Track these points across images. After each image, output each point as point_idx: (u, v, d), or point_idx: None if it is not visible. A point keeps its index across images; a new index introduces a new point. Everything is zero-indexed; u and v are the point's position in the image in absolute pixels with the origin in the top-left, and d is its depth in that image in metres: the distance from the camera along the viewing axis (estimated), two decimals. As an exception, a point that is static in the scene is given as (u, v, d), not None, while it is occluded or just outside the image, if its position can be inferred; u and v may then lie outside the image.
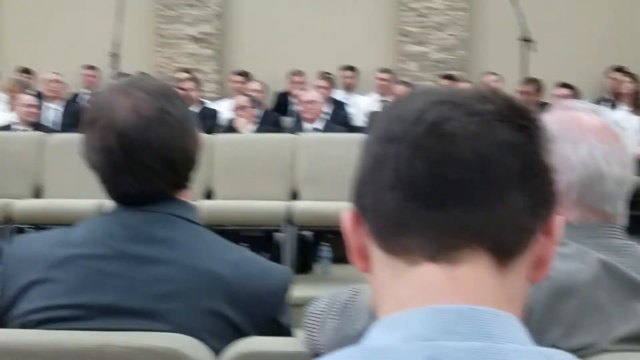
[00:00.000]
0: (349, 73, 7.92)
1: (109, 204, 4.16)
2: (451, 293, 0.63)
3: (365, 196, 0.67)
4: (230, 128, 6.03)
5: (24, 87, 7.21)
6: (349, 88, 7.90)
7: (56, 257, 1.24)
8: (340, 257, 5.32)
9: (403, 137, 0.65)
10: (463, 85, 5.91)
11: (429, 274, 0.64)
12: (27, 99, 6.09)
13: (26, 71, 7.87)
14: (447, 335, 0.60)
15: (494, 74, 7.27)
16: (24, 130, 5.85)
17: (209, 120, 6.20)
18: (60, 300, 1.21)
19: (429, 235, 0.64)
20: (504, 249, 0.64)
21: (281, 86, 7.74)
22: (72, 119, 6.63)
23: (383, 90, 7.34)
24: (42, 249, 1.27)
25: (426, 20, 8.31)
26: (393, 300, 0.65)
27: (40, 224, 4.68)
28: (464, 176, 0.63)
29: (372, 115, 6.42)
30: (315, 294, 1.34)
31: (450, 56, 8.29)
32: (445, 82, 6.87)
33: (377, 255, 0.67)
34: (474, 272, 0.64)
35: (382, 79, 7.43)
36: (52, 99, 6.88)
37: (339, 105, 7.18)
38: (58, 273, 1.23)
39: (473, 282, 0.63)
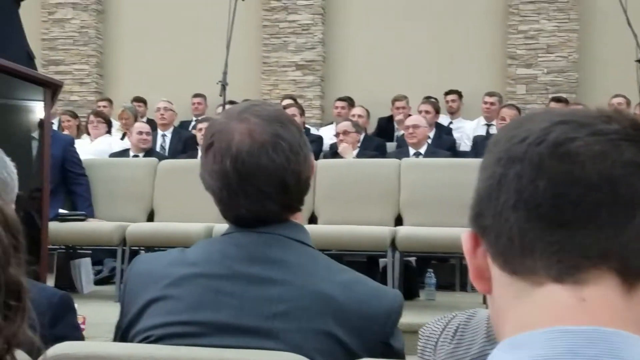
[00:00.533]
0: (453, 97, 7.85)
1: (217, 227, 4.26)
2: (578, 314, 0.61)
3: (485, 216, 0.67)
4: (334, 153, 6.08)
5: (137, 115, 7.57)
6: (454, 112, 7.83)
7: (175, 275, 1.29)
8: (445, 284, 5.24)
9: (525, 157, 0.64)
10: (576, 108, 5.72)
11: (554, 295, 0.63)
12: (140, 126, 6.39)
13: (139, 100, 8.27)
14: (575, 357, 0.58)
15: (621, 96, 6.99)
16: (136, 156, 6.14)
17: (313, 146, 6.29)
18: (178, 317, 1.25)
19: (554, 256, 0.63)
20: (631, 270, 0.63)
21: (384, 111, 7.76)
22: (182, 145, 6.90)
23: (490, 114, 7.21)
24: (161, 267, 1.32)
25: (535, 42, 8.15)
26: (516, 321, 0.64)
27: (152, 247, 4.87)
28: (590, 197, 0.62)
29: (481, 139, 6.32)
30: (421, 321, 1.33)
31: (560, 78, 8.07)
32: (556, 105, 6.68)
33: (498, 276, 0.67)
34: (600, 293, 0.62)
35: (488, 103, 7.30)
36: (163, 126, 7.18)
37: (443, 130, 7.12)
38: (177, 291, 1.27)
39: (600, 303, 0.62)
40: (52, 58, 8.79)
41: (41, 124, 2.99)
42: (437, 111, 7.06)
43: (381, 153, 6.21)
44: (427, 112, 6.76)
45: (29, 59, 3.49)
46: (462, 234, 0.70)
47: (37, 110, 3.02)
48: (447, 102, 7.83)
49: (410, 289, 4.69)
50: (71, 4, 8.90)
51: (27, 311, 0.62)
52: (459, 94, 7.87)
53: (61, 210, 5.03)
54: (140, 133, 6.21)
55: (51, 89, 2.99)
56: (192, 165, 5.30)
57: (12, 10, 3.53)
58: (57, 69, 8.64)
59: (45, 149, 2.95)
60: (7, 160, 1.70)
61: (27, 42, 3.60)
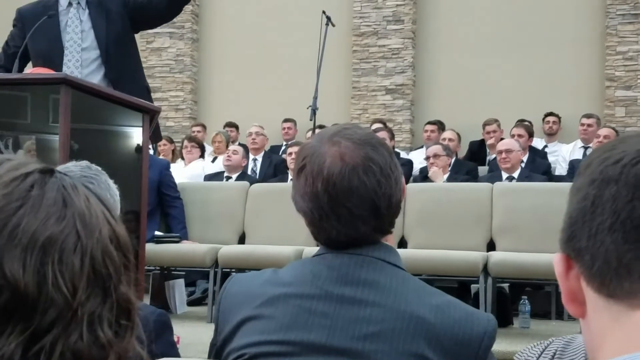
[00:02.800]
0: (554, 119, 7.65)
1: (307, 250, 4.29)
2: None
3: (578, 239, 0.66)
4: (424, 177, 6.03)
5: (229, 141, 7.76)
6: (553, 134, 7.62)
7: (268, 295, 1.31)
8: (541, 312, 5.06)
9: (620, 178, 0.64)
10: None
11: None
12: (233, 150, 6.55)
13: (232, 125, 8.48)
14: None
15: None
16: (229, 178, 6.28)
17: (403, 170, 6.22)
18: (272, 336, 1.27)
19: None
20: None
21: (476, 135, 7.65)
22: (272, 169, 7.02)
23: (587, 137, 6.97)
24: (255, 287, 1.34)
25: (634, 63, 7.85)
26: (614, 345, 0.62)
27: (243, 269, 4.94)
28: None
29: (578, 163, 6.13)
30: (515, 349, 1.29)
31: (662, 100, 7.75)
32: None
33: (593, 299, 0.65)
34: None
35: (586, 125, 7.06)
36: (254, 150, 7.33)
37: (538, 154, 6.94)
38: (270, 310, 1.29)
39: None
40: (149, 85, 9.14)
41: (139, 148, 3.11)
42: (531, 135, 6.89)
43: (473, 177, 6.10)
44: (520, 135, 6.60)
45: (147, 92, 3.64)
46: (554, 257, 0.69)
47: (135, 135, 3.14)
48: (547, 123, 7.63)
49: (504, 316, 4.56)
50: (168, 33, 9.25)
51: (135, 328, 0.64)
52: (556, 117, 7.67)
53: (157, 233, 5.20)
54: (228, 152, 6.43)
55: (149, 115, 3.11)
56: (283, 188, 5.37)
57: (134, 46, 3.69)
58: (154, 96, 8.94)
59: (143, 173, 3.06)
60: (111, 183, 1.77)
61: (145, 77, 3.76)
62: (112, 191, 1.78)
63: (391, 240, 1.41)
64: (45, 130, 3.04)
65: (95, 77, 3.52)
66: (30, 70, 3.31)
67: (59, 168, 0.66)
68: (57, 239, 0.58)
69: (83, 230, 0.60)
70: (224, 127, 8.37)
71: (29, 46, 3.58)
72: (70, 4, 3.57)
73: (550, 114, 7.64)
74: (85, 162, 1.81)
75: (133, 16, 3.58)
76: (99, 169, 1.81)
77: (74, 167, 1.76)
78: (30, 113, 3.04)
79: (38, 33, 3.53)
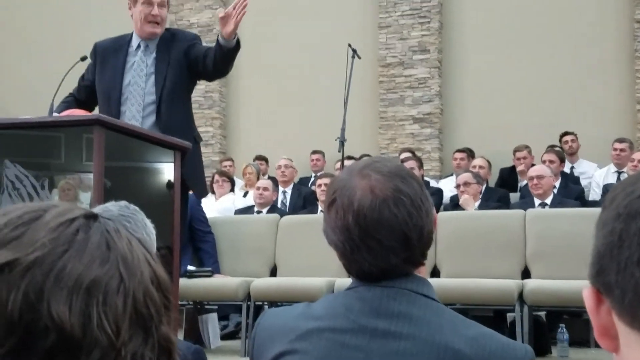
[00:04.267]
0: (572, 137, 7.55)
1: (339, 282, 4.28)
2: None
3: (607, 273, 0.65)
4: (455, 205, 6.00)
5: (259, 173, 7.81)
6: (573, 154, 7.52)
7: (302, 329, 1.31)
8: (579, 340, 4.96)
9: None
10: None
11: None
12: (262, 183, 6.58)
13: (261, 158, 8.54)
14: None
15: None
16: (259, 212, 6.30)
17: (433, 199, 6.19)
18: None
19: None
20: None
21: (506, 161, 7.59)
22: (302, 201, 7.03)
23: (620, 161, 6.88)
24: (288, 321, 1.34)
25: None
26: None
27: (275, 301, 4.94)
28: None
29: (608, 189, 6.04)
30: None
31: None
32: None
33: (626, 333, 0.64)
34: None
35: (618, 150, 6.98)
36: (284, 183, 7.36)
37: (570, 179, 6.86)
38: (304, 345, 1.29)
39: None
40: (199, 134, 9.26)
41: (170, 184, 3.14)
42: (562, 160, 6.82)
43: (504, 204, 6.05)
44: (551, 161, 6.54)
45: (195, 142, 3.69)
46: (583, 291, 0.69)
47: (166, 171, 3.18)
48: (565, 143, 7.54)
49: (541, 345, 4.48)
50: (197, 70, 9.39)
51: None
52: (575, 135, 7.57)
53: (189, 267, 5.22)
54: (259, 188, 6.42)
55: (180, 152, 3.15)
56: (313, 220, 5.38)
57: (188, 98, 3.73)
58: (184, 132, 9.10)
59: (175, 209, 3.09)
60: (147, 222, 1.80)
61: (195, 126, 3.79)
62: (148, 229, 1.81)
63: (424, 271, 1.41)
64: (79, 169, 3.10)
65: (148, 121, 3.59)
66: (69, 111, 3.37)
67: (99, 209, 0.68)
68: (101, 281, 0.60)
69: (125, 272, 0.62)
70: (254, 160, 8.43)
71: (96, 81, 3.66)
72: (139, 46, 3.65)
73: (566, 133, 7.55)
74: (123, 202, 1.84)
75: (190, 66, 3.62)
76: (137, 208, 1.84)
77: (112, 207, 1.79)
78: (64, 152, 3.10)
79: (105, 70, 3.62)
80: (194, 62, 3.59)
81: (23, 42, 10.43)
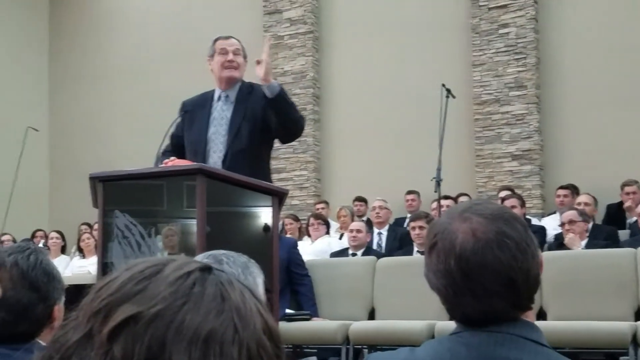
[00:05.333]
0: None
1: (439, 325, 4.17)
2: None
3: None
4: (559, 244, 5.78)
5: (354, 215, 7.78)
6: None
7: None
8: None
9: None
10: None
11: None
12: (355, 225, 6.56)
13: (361, 199, 8.51)
14: None
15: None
16: (355, 254, 6.27)
17: (536, 237, 5.99)
18: None
19: None
20: None
21: (613, 197, 7.28)
22: (397, 243, 6.96)
23: None
24: None
25: None
26: None
27: (374, 345, 4.86)
28: None
29: None
30: None
31: None
32: None
33: None
34: None
35: None
36: (379, 224, 7.32)
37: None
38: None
39: None
40: (275, 167, 9.43)
41: (267, 227, 3.17)
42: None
43: (613, 242, 5.78)
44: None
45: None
46: None
47: (263, 215, 3.22)
48: None
49: (660, 392, 4.19)
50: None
51: None
52: None
53: (287, 310, 5.23)
54: (352, 231, 6.40)
55: (278, 197, 3.19)
56: (410, 262, 5.31)
57: (262, 154, 3.75)
58: (279, 176, 9.24)
59: (274, 253, 3.11)
60: (255, 270, 1.81)
61: (268, 178, 3.79)
62: (256, 279, 1.82)
63: (531, 316, 1.36)
64: (180, 215, 3.18)
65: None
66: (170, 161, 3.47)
67: (216, 256, 0.70)
68: (218, 332, 0.62)
69: (240, 323, 0.64)
70: (353, 202, 8.44)
71: (185, 137, 3.80)
72: (220, 97, 3.77)
73: None
74: (239, 254, 1.86)
75: (265, 121, 3.65)
76: (248, 257, 1.86)
77: (225, 260, 1.80)
78: (166, 200, 3.20)
79: (193, 125, 3.75)
80: (269, 119, 3.60)
81: (130, 114, 10.98)
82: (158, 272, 0.65)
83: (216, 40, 3.81)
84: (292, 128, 3.61)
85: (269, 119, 3.60)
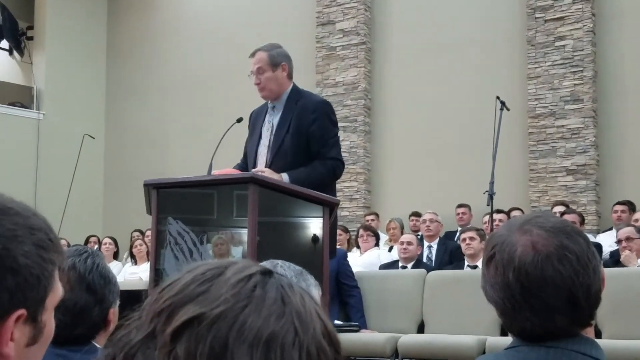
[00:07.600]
0: None
1: (490, 340, 4.08)
2: None
3: None
4: (615, 262, 5.63)
5: (403, 227, 7.71)
6: None
7: None
8: None
9: None
10: None
11: None
12: (406, 237, 6.50)
13: (417, 215, 8.40)
14: None
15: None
16: (404, 267, 6.22)
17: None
18: None
19: None
20: None
21: (672, 214, 7.06)
22: (448, 256, 6.87)
23: None
24: None
25: None
26: None
27: (423, 359, 4.81)
28: None
29: None
30: None
31: None
32: None
33: None
34: None
35: None
36: (429, 237, 7.25)
37: None
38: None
39: None
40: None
41: (316, 238, 3.17)
42: None
43: (672, 260, 5.60)
44: None
45: None
46: None
47: (312, 225, 3.21)
48: None
49: None
50: (342, 126, 9.54)
51: None
52: None
53: (336, 322, 5.22)
54: (402, 243, 6.34)
55: (329, 207, 3.18)
56: (460, 276, 5.23)
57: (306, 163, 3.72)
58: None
59: (324, 263, 3.10)
60: (311, 280, 1.81)
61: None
62: (311, 290, 1.82)
63: (591, 332, 1.32)
64: (230, 224, 3.20)
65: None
66: (221, 171, 3.49)
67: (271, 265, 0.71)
68: (278, 335, 0.63)
69: (300, 327, 0.64)
70: (409, 217, 8.36)
71: (247, 146, 3.83)
72: (271, 107, 3.76)
73: None
74: (294, 266, 1.86)
75: (309, 141, 3.60)
76: (302, 269, 1.86)
77: (280, 268, 1.80)
78: (216, 209, 3.22)
79: (252, 134, 3.78)
80: (311, 142, 3.56)
81: (184, 125, 11.16)
82: (220, 275, 0.66)
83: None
84: (323, 183, 3.52)
85: (311, 142, 3.55)
